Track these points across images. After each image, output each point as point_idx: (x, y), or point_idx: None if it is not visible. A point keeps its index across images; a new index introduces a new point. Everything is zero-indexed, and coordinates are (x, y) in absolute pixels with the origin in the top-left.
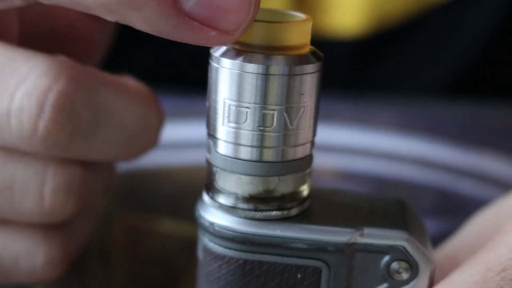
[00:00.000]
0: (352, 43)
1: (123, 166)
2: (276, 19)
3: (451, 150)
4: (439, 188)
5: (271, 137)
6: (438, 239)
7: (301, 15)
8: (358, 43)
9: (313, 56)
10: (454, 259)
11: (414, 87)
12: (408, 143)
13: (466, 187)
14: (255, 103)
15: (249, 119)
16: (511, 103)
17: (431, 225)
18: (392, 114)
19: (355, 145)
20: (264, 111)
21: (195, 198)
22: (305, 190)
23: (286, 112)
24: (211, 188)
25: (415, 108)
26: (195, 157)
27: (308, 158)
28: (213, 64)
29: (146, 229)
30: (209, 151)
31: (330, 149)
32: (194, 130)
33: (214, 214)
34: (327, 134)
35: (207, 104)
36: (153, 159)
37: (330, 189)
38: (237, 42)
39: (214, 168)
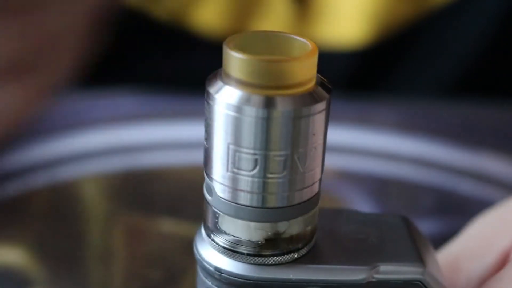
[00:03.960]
0: (355, 53)
1: (122, 166)
2: (277, 50)
3: (451, 150)
4: (439, 189)
5: (283, 183)
6: (438, 240)
7: (304, 41)
8: (362, 53)
9: (322, 88)
10: (455, 263)
11: (416, 90)
12: (408, 143)
13: (466, 187)
14: (264, 150)
15: (259, 166)
16: (511, 103)
17: (431, 226)
18: (392, 114)
19: (355, 145)
20: (274, 158)
21: (195, 198)
22: (313, 227)
23: (298, 156)
24: (213, 230)
25: (415, 108)
26: (195, 157)
27: (317, 195)
28: (211, 104)
29: (146, 229)
30: (210, 193)
31: (330, 149)
32: (194, 130)
33: (220, 259)
34: (327, 134)
35: (205, 144)
36: (153, 159)
37: (327, 212)
38: (237, 80)
39: (217, 212)
